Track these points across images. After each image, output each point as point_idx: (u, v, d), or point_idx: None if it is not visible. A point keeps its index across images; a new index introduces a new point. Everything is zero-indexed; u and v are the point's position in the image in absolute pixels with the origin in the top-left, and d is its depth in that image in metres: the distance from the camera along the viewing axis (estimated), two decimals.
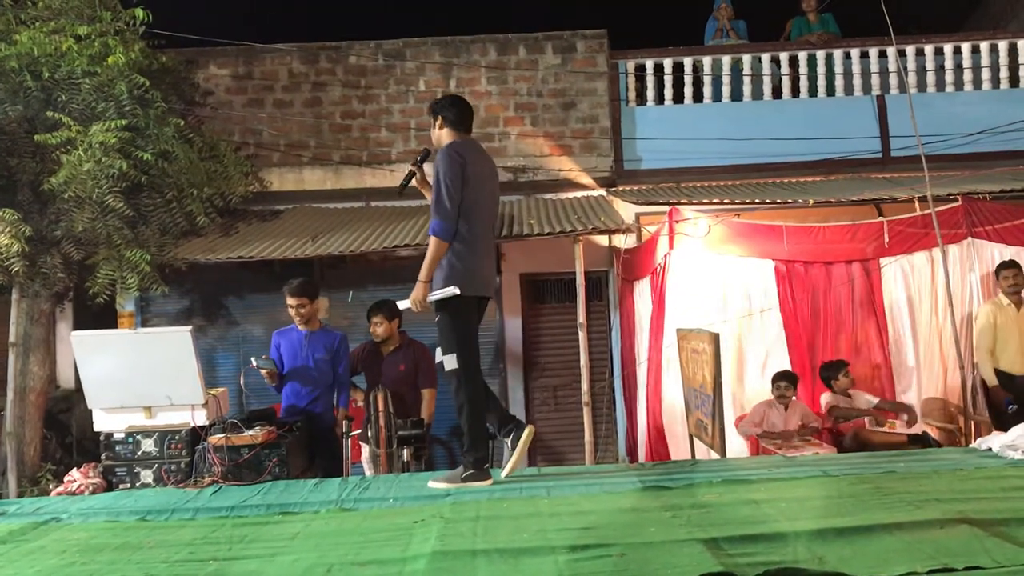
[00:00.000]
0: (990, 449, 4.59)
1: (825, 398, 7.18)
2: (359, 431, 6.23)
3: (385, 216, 8.71)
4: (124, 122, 7.16)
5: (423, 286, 4.43)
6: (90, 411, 4.99)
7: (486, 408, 4.53)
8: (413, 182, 4.82)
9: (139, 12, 7.72)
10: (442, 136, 4.60)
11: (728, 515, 3.43)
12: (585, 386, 7.45)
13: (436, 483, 4.31)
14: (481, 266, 4.55)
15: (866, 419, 7.07)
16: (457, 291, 4.35)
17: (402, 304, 4.63)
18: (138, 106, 7.43)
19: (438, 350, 4.51)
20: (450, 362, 4.39)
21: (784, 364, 7.39)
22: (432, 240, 4.40)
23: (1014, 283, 6.85)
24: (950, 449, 5.89)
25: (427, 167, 4.72)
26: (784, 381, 7.00)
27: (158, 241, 7.69)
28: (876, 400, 7.12)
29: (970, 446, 5.04)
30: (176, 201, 7.81)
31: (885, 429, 6.93)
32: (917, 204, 7.29)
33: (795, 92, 9.54)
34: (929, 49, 9.41)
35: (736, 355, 7.47)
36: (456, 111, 4.63)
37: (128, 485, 4.79)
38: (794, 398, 7.07)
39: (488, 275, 4.65)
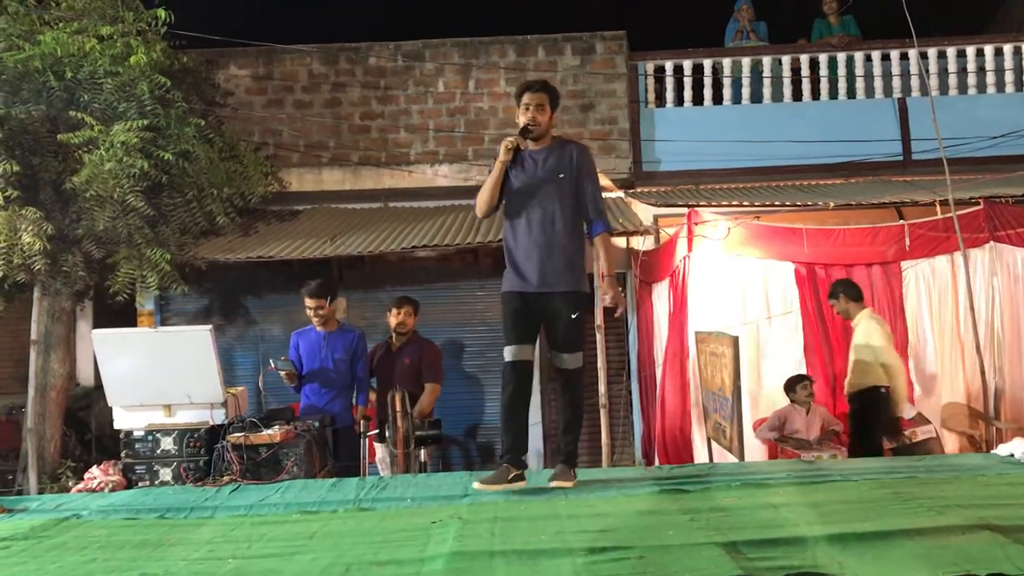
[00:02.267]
0: (1012, 455, 4.55)
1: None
2: (376, 431, 6.25)
3: (403, 217, 8.72)
4: (145, 122, 7.20)
5: (616, 282, 4.48)
6: (110, 408, 5.02)
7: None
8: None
9: (161, 12, 7.76)
10: (550, 127, 4.45)
11: (747, 519, 3.41)
12: (602, 388, 7.43)
13: (560, 481, 4.16)
14: None
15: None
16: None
17: (608, 301, 4.47)
18: (159, 106, 7.47)
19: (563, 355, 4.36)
20: (578, 360, 4.38)
21: (802, 368, 7.35)
22: (607, 237, 4.53)
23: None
24: (972, 455, 5.85)
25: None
26: (807, 382, 6.96)
27: (178, 240, 7.74)
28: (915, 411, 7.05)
29: (992, 452, 5.00)
30: (196, 201, 7.85)
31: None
32: (938, 207, 7.24)
33: (815, 94, 9.48)
34: (951, 51, 9.33)
35: (755, 358, 7.45)
36: None
37: (147, 483, 4.81)
38: (813, 402, 7.03)
39: None
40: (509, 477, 4.12)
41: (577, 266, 4.37)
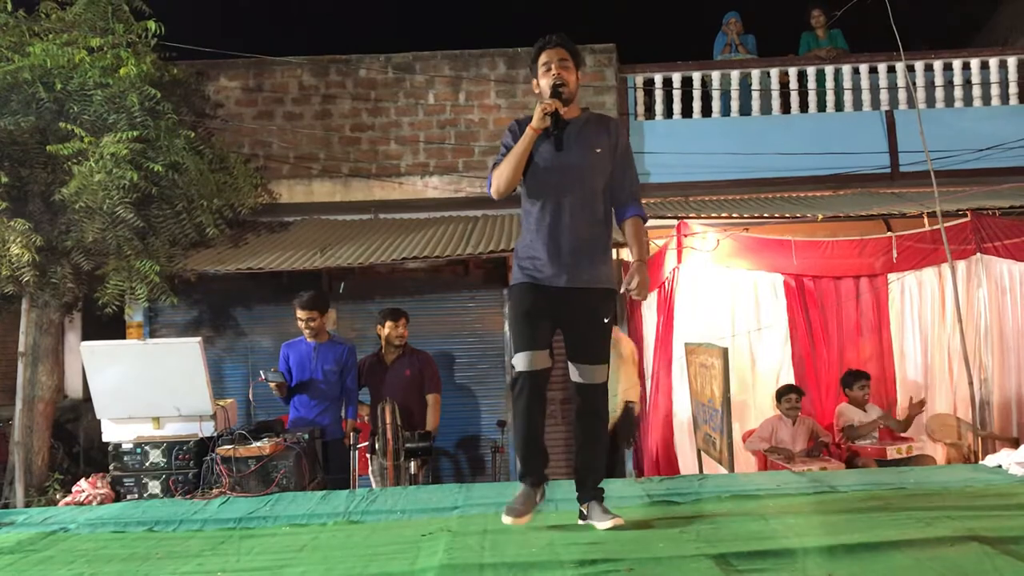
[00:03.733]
0: (1000, 466, 4.57)
1: (840, 409, 7.14)
2: (366, 443, 6.24)
3: (394, 228, 8.73)
4: (135, 133, 7.19)
5: (647, 266, 3.69)
6: (98, 421, 5.00)
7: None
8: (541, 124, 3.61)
9: (151, 24, 7.76)
10: (577, 92, 3.75)
11: (737, 530, 3.41)
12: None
13: (604, 523, 3.52)
14: None
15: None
16: None
17: (633, 284, 3.60)
18: (149, 118, 7.46)
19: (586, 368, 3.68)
20: (606, 373, 3.72)
21: (791, 378, 7.37)
22: (641, 222, 3.77)
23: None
24: (960, 466, 5.88)
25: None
26: (793, 394, 6.98)
27: (167, 252, 7.72)
28: (882, 413, 7.09)
29: (980, 463, 5.02)
30: (186, 212, 7.83)
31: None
32: (926, 219, 7.29)
33: (804, 107, 9.55)
34: (938, 65, 9.41)
35: (745, 369, 7.47)
36: None
37: (136, 496, 4.79)
38: (800, 412, 7.05)
39: None
40: (537, 499, 3.65)
41: (609, 259, 3.75)
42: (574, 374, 3.67)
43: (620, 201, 3.74)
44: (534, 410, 3.63)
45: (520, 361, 3.61)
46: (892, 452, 6.70)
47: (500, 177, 3.67)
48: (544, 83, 3.66)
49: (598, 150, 3.66)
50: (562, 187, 3.62)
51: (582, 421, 3.71)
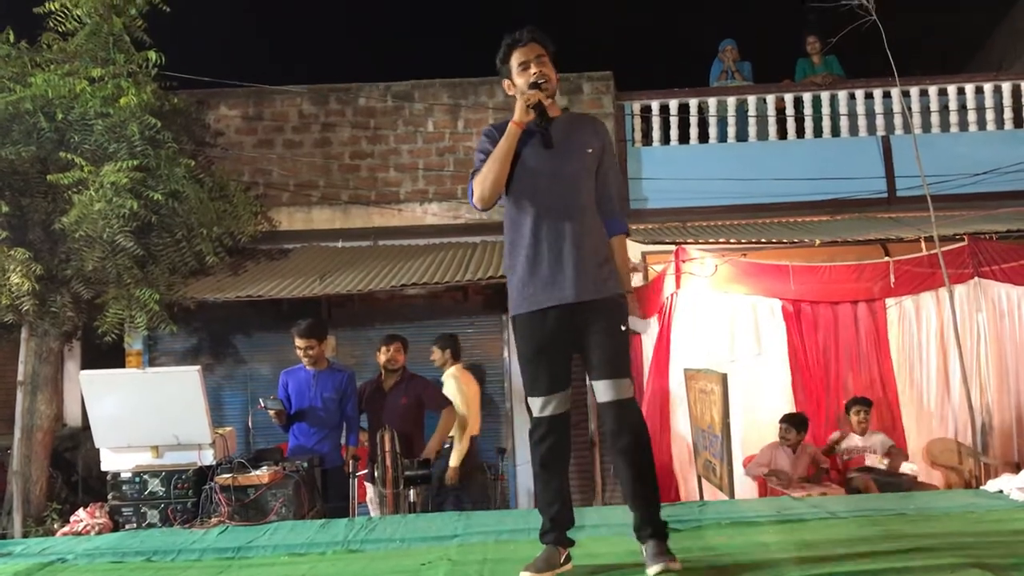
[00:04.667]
0: (1001, 491, 4.55)
1: (833, 436, 7.16)
2: (365, 471, 6.22)
3: (393, 255, 8.75)
4: (135, 162, 7.24)
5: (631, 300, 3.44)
6: (96, 450, 4.99)
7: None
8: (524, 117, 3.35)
9: (152, 55, 7.84)
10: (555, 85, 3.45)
11: (737, 558, 3.40)
12: (593, 426, 7.42)
13: (653, 568, 3.08)
14: None
15: (867, 458, 7.04)
16: None
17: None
18: (149, 147, 7.51)
19: (602, 385, 3.25)
20: (632, 388, 3.30)
21: (791, 404, 7.36)
22: (624, 241, 3.48)
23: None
24: (961, 491, 5.85)
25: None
26: (785, 423, 6.96)
27: (167, 280, 7.74)
28: (889, 444, 7.06)
29: (980, 488, 5.00)
30: (186, 240, 7.86)
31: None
32: (923, 244, 7.30)
33: (800, 133, 9.60)
34: (933, 90, 9.47)
35: (744, 395, 7.45)
36: None
37: (134, 525, 4.76)
38: (803, 440, 7.01)
39: None
40: (561, 561, 3.25)
41: (612, 263, 3.37)
42: (599, 394, 3.25)
43: (605, 212, 3.40)
44: (555, 459, 3.32)
45: (536, 406, 3.30)
46: (872, 460, 6.73)
47: (484, 182, 3.30)
48: (521, 81, 3.37)
49: (589, 150, 3.37)
50: (555, 192, 3.29)
51: (618, 447, 3.26)
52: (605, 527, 4.10)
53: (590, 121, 3.55)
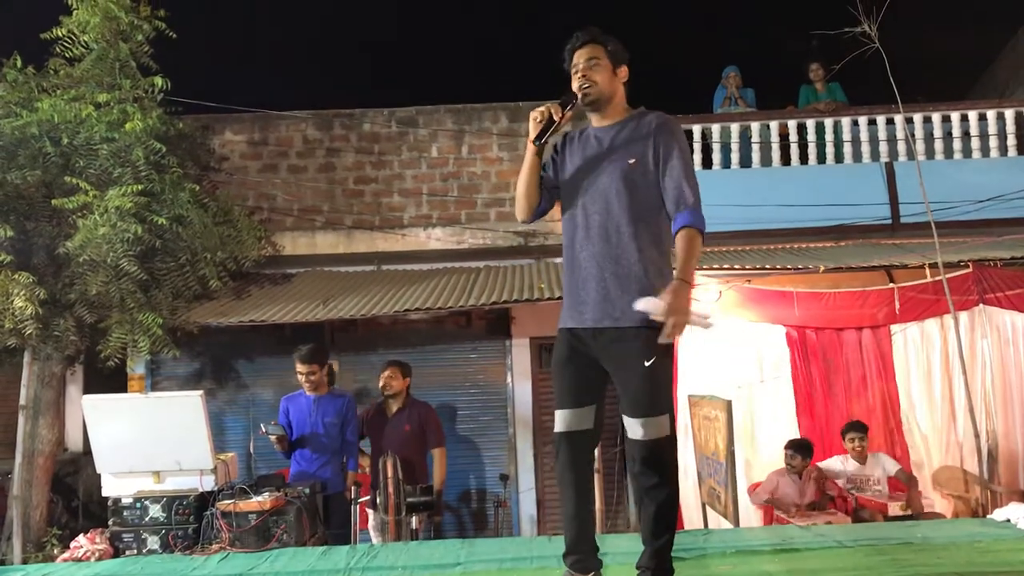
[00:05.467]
0: (1009, 520, 4.51)
1: (828, 462, 7.12)
2: (367, 497, 6.19)
3: (396, 280, 8.75)
4: (140, 187, 7.26)
5: (687, 291, 3.04)
6: (97, 475, 4.97)
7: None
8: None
9: (158, 80, 7.88)
10: (619, 91, 3.36)
11: None
12: (596, 452, 7.37)
13: None
14: None
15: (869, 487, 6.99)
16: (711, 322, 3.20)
17: (645, 304, 3.01)
18: (154, 171, 7.54)
19: (633, 422, 3.13)
20: (664, 426, 3.12)
21: (796, 431, 7.32)
22: (698, 234, 3.20)
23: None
24: (968, 520, 5.81)
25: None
26: (790, 450, 6.92)
27: (170, 304, 7.74)
28: (896, 469, 7.02)
29: (987, 517, 4.96)
30: (189, 265, 7.87)
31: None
32: (928, 270, 7.29)
33: (804, 159, 9.61)
34: (936, 117, 9.49)
35: (749, 422, 7.42)
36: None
37: (135, 551, 4.73)
38: (808, 466, 6.97)
39: None
40: None
41: (658, 287, 3.09)
42: (627, 430, 3.19)
43: (670, 212, 3.21)
44: (571, 478, 3.23)
45: (556, 420, 3.27)
46: (895, 508, 6.62)
47: (517, 199, 3.38)
48: (575, 88, 3.29)
49: (631, 160, 3.20)
50: (591, 208, 3.20)
51: (633, 485, 3.20)
52: (609, 555, 4.06)
53: (648, 120, 3.28)
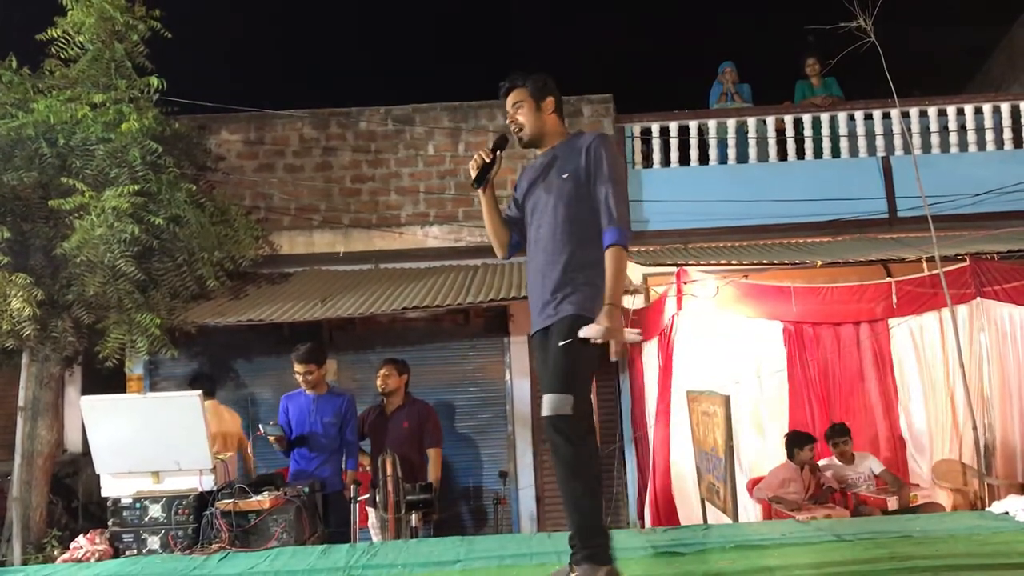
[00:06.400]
0: (1007, 512, 4.52)
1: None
2: (366, 495, 6.19)
3: (394, 278, 8.75)
4: (137, 187, 7.25)
5: (620, 313, 3.29)
6: (97, 476, 4.97)
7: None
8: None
9: (153, 80, 7.87)
10: (549, 123, 3.64)
11: None
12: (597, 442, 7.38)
13: None
14: None
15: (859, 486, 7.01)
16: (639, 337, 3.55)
17: (587, 332, 3.26)
18: (151, 171, 7.53)
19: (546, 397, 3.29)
20: (564, 404, 3.24)
21: (792, 425, 7.33)
22: (620, 252, 3.36)
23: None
24: (966, 513, 5.82)
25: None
26: (810, 444, 6.94)
27: (168, 304, 7.73)
28: (880, 469, 7.04)
29: (986, 510, 4.97)
30: (187, 265, 7.87)
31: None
32: (925, 264, 7.29)
33: (800, 154, 9.62)
34: (932, 111, 9.50)
35: (747, 417, 7.42)
36: (560, 94, 3.71)
37: (134, 552, 4.74)
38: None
39: None
40: None
41: (579, 282, 3.39)
42: None
43: (602, 227, 3.42)
44: (554, 461, 3.36)
45: None
46: (893, 504, 6.63)
47: (489, 238, 3.79)
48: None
49: (564, 176, 3.50)
50: (535, 224, 3.57)
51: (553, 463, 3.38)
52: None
53: (582, 141, 3.56)
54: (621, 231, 3.38)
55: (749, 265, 7.84)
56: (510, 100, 3.66)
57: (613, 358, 3.32)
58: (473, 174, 3.60)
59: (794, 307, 7.44)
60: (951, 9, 13.20)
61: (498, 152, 3.62)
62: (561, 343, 3.29)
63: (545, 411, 3.27)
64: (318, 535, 5.20)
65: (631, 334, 3.50)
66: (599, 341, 3.24)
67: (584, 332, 3.24)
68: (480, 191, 3.66)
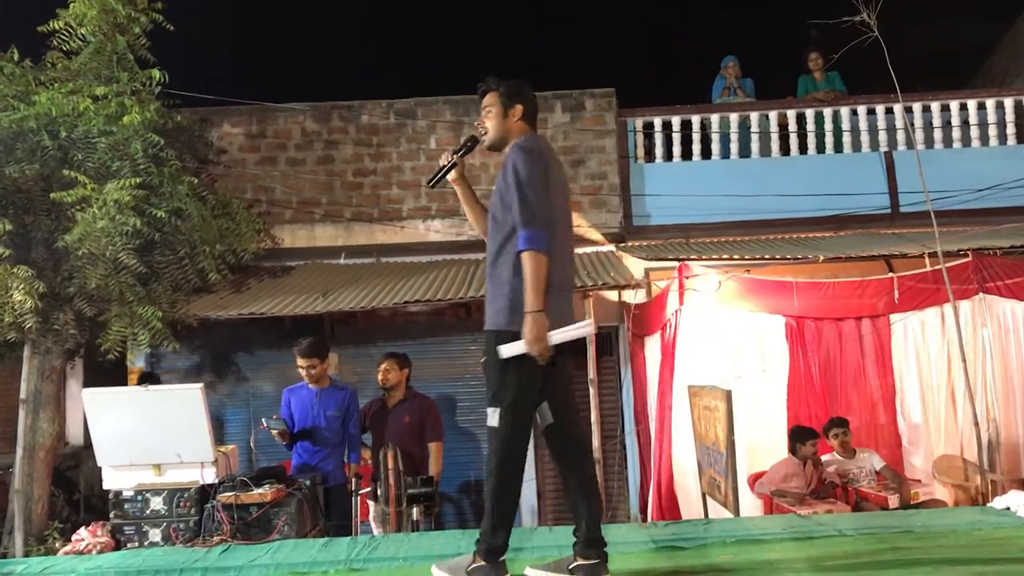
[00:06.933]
0: (1008, 508, 4.52)
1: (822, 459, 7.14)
2: (368, 489, 6.19)
3: (395, 272, 8.75)
4: (138, 180, 7.24)
5: (540, 319, 3.29)
6: (99, 468, 4.97)
7: (518, 492, 3.60)
8: (450, 176, 3.92)
9: (155, 73, 7.86)
10: (514, 129, 3.69)
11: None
12: (596, 443, 7.40)
13: (440, 571, 3.54)
14: (562, 300, 3.50)
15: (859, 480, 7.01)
16: (590, 327, 3.59)
17: (508, 351, 3.36)
18: (152, 164, 7.52)
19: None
20: (492, 417, 3.43)
21: (795, 421, 7.33)
22: (529, 256, 3.32)
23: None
24: (967, 508, 5.82)
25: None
26: (813, 439, 6.95)
27: (170, 297, 7.74)
28: (881, 465, 7.04)
29: (987, 505, 4.97)
30: (188, 258, 7.87)
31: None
32: (927, 260, 7.28)
33: (803, 149, 9.61)
34: (935, 106, 9.49)
35: (748, 412, 7.42)
36: (533, 104, 3.75)
37: (136, 544, 4.74)
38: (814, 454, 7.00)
39: (568, 312, 3.56)
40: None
41: (498, 295, 3.48)
42: None
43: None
44: (558, 468, 3.68)
45: None
46: (894, 501, 6.63)
47: None
48: None
49: (495, 187, 3.59)
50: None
51: None
52: (609, 545, 4.07)
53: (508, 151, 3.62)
54: (529, 234, 3.35)
55: (751, 260, 7.83)
56: (483, 104, 3.75)
57: (541, 363, 3.31)
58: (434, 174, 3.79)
59: (796, 302, 7.44)
60: (955, 4, 13.17)
61: (459, 155, 3.81)
62: (484, 359, 3.48)
63: (488, 422, 3.46)
64: (319, 528, 5.20)
65: (570, 331, 3.41)
66: (525, 347, 3.30)
67: (504, 351, 3.35)
68: (455, 183, 3.85)
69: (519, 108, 3.68)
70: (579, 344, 7.79)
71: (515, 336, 3.33)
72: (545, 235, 3.35)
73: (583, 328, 3.44)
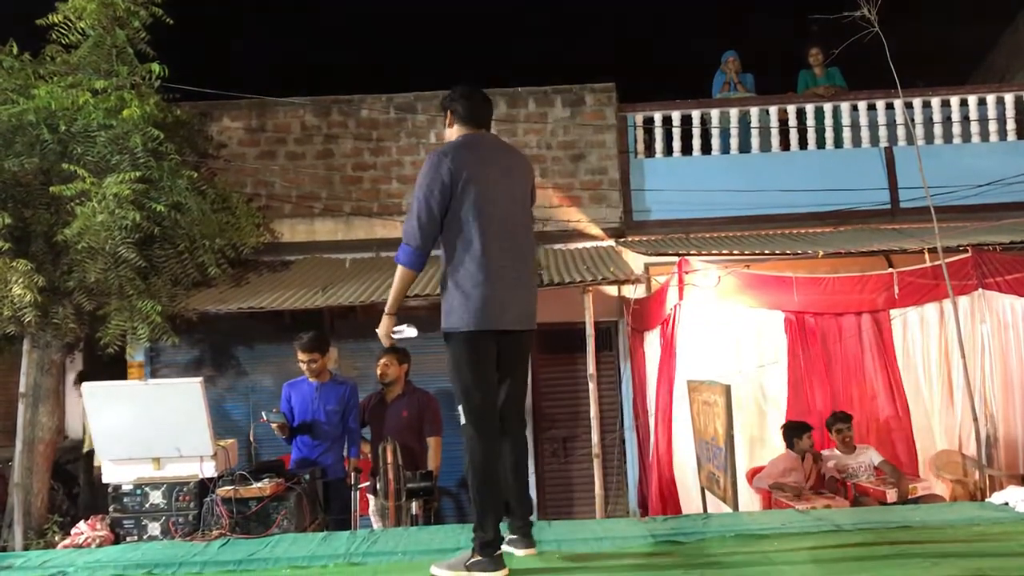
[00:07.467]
0: (1007, 503, 4.52)
1: (823, 454, 7.13)
2: (367, 483, 6.20)
3: (395, 266, 8.71)
4: (138, 174, 7.23)
5: (387, 320, 3.88)
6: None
7: (500, 477, 3.77)
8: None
9: (155, 67, 7.85)
10: (448, 134, 3.95)
11: (741, 571, 3.38)
12: (595, 438, 7.39)
13: (438, 569, 3.59)
14: (493, 290, 3.63)
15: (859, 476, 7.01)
16: (414, 332, 3.95)
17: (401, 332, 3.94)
18: (152, 158, 7.51)
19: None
20: (461, 416, 3.77)
21: (794, 416, 7.33)
22: (399, 269, 3.85)
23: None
24: (966, 503, 5.82)
25: None
26: (808, 432, 6.94)
27: (169, 292, 7.73)
28: (880, 460, 7.04)
29: (986, 500, 4.97)
30: (188, 252, 7.86)
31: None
32: (927, 255, 7.28)
33: (803, 144, 9.60)
34: (936, 101, 9.48)
35: (748, 407, 7.43)
36: (467, 104, 3.92)
37: (135, 538, 4.76)
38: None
39: (509, 300, 3.69)
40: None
41: (445, 299, 3.79)
42: None
43: (448, 243, 3.78)
44: (489, 460, 3.85)
45: None
46: (892, 496, 6.62)
47: None
48: None
49: None
50: None
51: None
52: (608, 539, 4.08)
53: None
54: (403, 248, 3.78)
55: (751, 255, 7.83)
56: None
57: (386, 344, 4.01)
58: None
59: (796, 297, 7.44)
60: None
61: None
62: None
63: None
64: (319, 522, 5.21)
65: (401, 331, 3.94)
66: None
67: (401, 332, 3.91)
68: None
69: (448, 115, 3.95)
70: (577, 340, 7.80)
71: (450, 336, 3.73)
72: (411, 249, 3.75)
73: (406, 331, 3.95)
